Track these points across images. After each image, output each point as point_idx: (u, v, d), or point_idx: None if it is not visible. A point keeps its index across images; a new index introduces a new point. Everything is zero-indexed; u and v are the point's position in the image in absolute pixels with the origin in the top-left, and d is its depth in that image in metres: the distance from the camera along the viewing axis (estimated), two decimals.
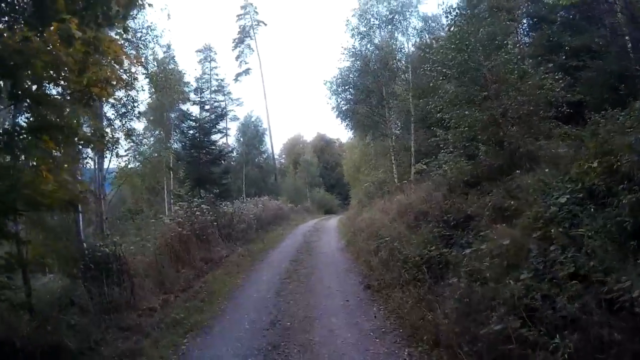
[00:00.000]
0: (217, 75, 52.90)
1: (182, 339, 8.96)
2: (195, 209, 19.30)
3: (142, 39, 21.54)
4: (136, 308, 11.57)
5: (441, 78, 14.06)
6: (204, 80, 52.76)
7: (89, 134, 9.46)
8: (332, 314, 9.78)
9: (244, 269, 15.59)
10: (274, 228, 28.37)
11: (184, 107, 27.04)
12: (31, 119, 8.31)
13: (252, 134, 50.96)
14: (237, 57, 55.35)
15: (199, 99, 26.40)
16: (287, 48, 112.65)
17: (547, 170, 9.57)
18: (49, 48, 6.83)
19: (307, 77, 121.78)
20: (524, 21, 19.89)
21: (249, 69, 54.99)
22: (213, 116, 26.44)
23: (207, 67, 52.61)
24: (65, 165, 8.85)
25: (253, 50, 55.28)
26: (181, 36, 57.92)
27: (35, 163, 7.97)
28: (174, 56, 34.08)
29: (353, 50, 24.56)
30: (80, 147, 13.04)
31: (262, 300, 11.35)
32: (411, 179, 22.07)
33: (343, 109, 25.23)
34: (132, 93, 20.64)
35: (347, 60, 24.81)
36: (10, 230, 8.54)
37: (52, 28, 6.65)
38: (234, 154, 49.14)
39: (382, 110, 24.16)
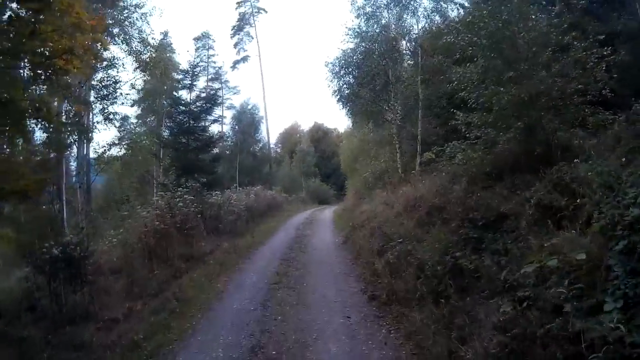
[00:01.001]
0: (214, 63, 51.30)
1: None
2: (177, 199, 17.10)
3: (129, 17, 19.31)
4: (97, 318, 9.72)
5: (470, 49, 11.57)
6: (201, 68, 51.05)
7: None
8: (329, 336, 7.56)
9: (228, 268, 13.39)
10: (266, 220, 26.25)
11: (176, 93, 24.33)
12: None
13: (248, 122, 48.64)
14: (236, 45, 52.91)
15: (189, 82, 23.75)
16: (287, 35, 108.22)
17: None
18: None
19: (307, 65, 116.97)
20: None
21: (247, 56, 52.50)
22: (203, 101, 23.80)
23: (205, 55, 50.88)
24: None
25: (252, 38, 52.89)
26: (180, 25, 55.83)
27: None
28: (171, 43, 31.95)
29: (358, 30, 22.08)
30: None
31: (243, 313, 9.08)
32: (417, 169, 19.82)
33: (345, 93, 22.71)
34: (113, 72, 18.56)
35: (351, 42, 22.25)
36: None
37: None
38: (229, 142, 46.92)
39: (388, 95, 21.80)
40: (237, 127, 48.58)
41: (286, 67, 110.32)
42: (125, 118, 20.18)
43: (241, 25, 52.81)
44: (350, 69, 22.43)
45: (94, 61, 13.75)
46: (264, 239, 19.05)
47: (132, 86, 20.44)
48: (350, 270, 12.28)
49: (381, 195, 20.08)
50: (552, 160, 9.14)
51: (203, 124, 23.11)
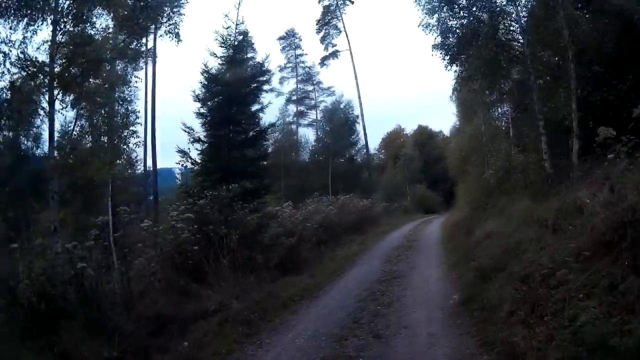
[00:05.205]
0: (303, 63, 46.57)
1: None
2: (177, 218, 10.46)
3: None
4: None
5: None
6: (289, 69, 44.26)
7: None
8: None
9: None
10: (352, 238, 18.44)
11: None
12: None
13: (341, 122, 40.10)
14: (322, 40, 45.53)
15: (227, 53, 15.47)
16: (382, 29, 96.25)
17: None
18: None
19: (406, 60, 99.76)
20: None
21: (336, 51, 44.81)
22: (250, 77, 15.50)
23: (292, 55, 46.34)
24: None
25: (340, 31, 45.31)
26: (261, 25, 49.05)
27: None
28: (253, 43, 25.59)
29: None
30: None
31: None
32: (575, 160, 11.04)
33: (452, 44, 13.77)
34: None
35: None
36: None
37: None
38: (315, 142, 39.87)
39: (519, 46, 12.96)
40: (327, 129, 40.60)
41: (383, 64, 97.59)
42: None
43: (326, 18, 45.15)
44: (457, 7, 13.35)
45: None
46: (326, 281, 11.01)
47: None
48: None
49: (519, 207, 11.34)
50: None
51: (250, 108, 15.15)
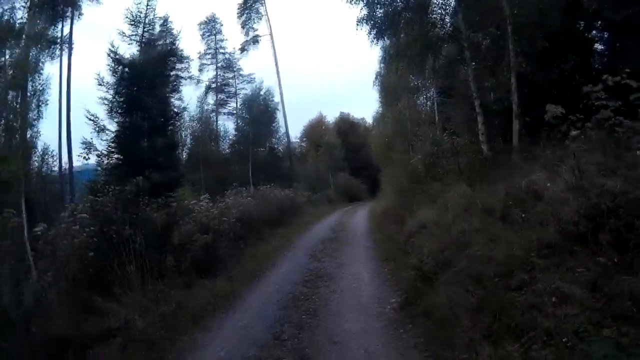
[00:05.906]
0: (224, 49, 44.24)
1: None
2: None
3: None
4: None
5: None
6: (209, 55, 42.30)
7: None
8: None
9: None
10: (273, 233, 16.80)
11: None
12: None
13: (261, 110, 38.41)
14: (243, 25, 43.07)
15: (136, 34, 13.83)
16: (304, 16, 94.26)
17: None
18: None
19: (328, 48, 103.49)
20: None
21: (257, 36, 42.54)
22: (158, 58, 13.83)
23: (212, 41, 43.88)
24: None
25: (262, 16, 43.14)
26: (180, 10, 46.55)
27: None
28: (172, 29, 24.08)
29: None
30: None
31: None
32: (516, 141, 10.24)
33: (379, 15, 12.51)
34: None
35: None
36: None
37: None
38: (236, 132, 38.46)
39: (453, 19, 11.99)
40: (247, 117, 38.58)
41: (305, 52, 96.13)
42: None
43: (248, 2, 42.77)
44: None
45: None
46: (244, 285, 9.46)
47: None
48: None
49: (456, 194, 10.37)
50: None
51: (160, 92, 13.48)
